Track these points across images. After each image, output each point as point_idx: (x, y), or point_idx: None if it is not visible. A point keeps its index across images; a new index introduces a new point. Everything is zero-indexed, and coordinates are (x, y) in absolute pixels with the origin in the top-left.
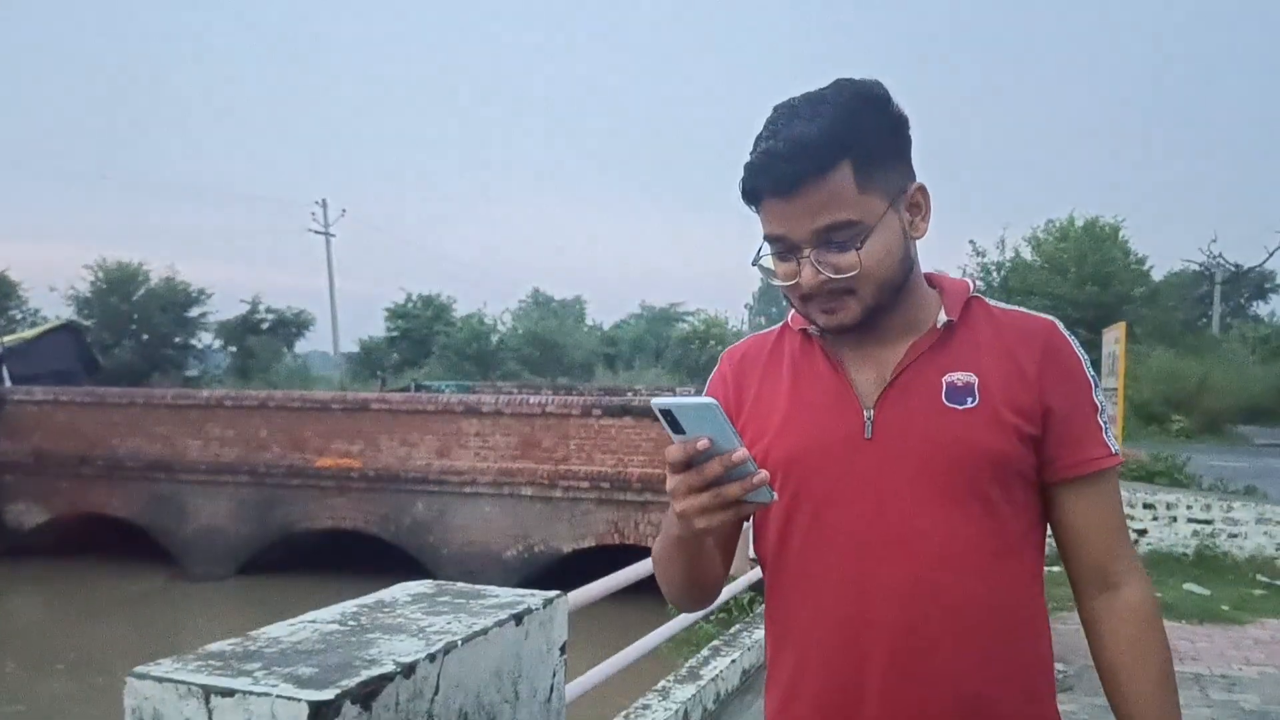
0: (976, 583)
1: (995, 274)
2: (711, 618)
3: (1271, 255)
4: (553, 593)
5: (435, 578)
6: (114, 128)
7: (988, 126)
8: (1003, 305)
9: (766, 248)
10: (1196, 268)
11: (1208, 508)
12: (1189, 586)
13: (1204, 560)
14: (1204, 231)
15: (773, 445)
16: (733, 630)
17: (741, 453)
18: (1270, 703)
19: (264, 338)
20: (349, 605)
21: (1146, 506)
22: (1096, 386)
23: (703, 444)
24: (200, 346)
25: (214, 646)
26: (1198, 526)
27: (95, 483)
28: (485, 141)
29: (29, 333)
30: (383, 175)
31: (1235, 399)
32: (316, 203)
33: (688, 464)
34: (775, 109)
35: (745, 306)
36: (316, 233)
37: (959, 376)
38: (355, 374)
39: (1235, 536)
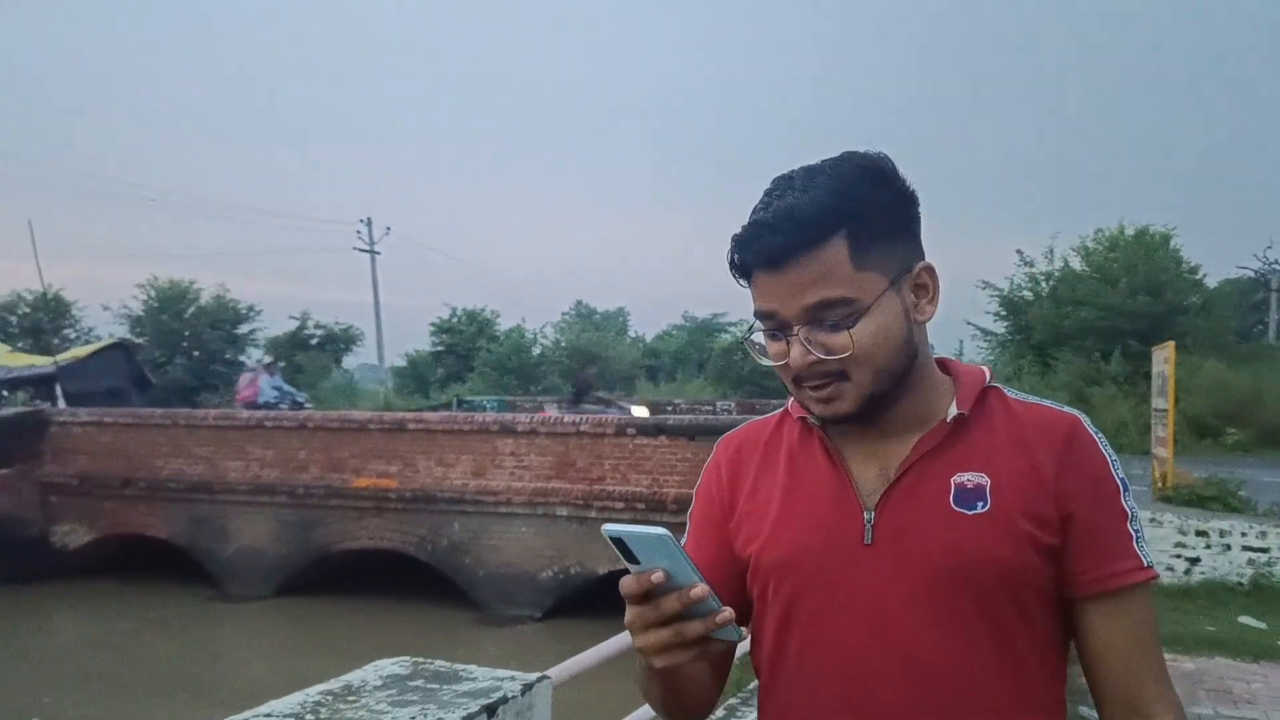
0: (984, 718)
1: (1044, 284)
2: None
3: None
4: (533, 676)
5: (471, 600)
6: (166, 149)
7: (1039, 134)
8: (1024, 397)
9: (758, 324)
10: (1252, 275)
11: (1264, 534)
12: (1244, 619)
13: (1260, 590)
14: (1259, 238)
15: (765, 548)
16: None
17: (700, 589)
18: None
19: (312, 353)
20: (313, 692)
21: (1199, 534)
22: (1127, 491)
23: (657, 577)
24: (250, 363)
25: None
26: (1253, 555)
27: (138, 504)
28: (529, 156)
29: (82, 351)
30: (427, 192)
31: None
32: (362, 221)
33: (645, 597)
34: (773, 180)
35: None
36: (362, 250)
37: (969, 477)
38: (401, 388)
39: None
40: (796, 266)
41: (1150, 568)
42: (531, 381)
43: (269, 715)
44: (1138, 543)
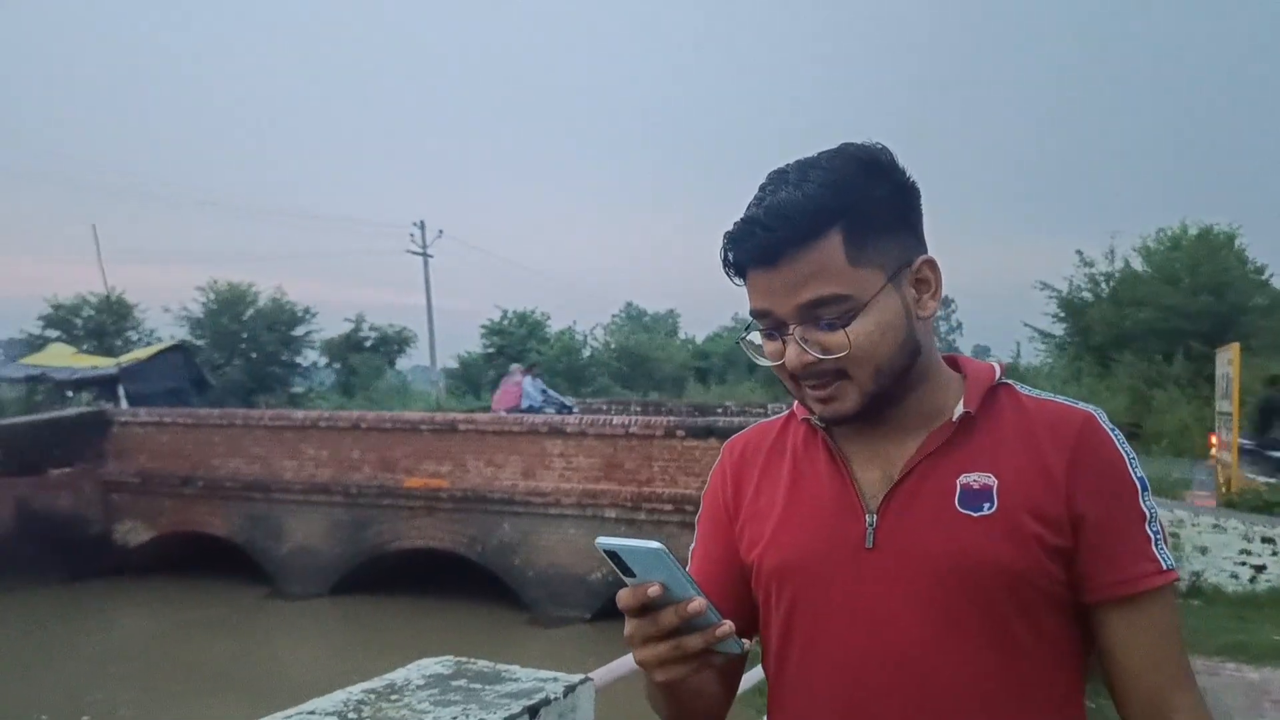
0: None
1: (1104, 285)
2: None
3: None
4: (576, 677)
5: (521, 600)
6: (224, 153)
7: (1099, 133)
8: (1038, 394)
9: (755, 324)
10: None
11: None
12: None
13: None
14: None
15: (766, 553)
16: None
17: (698, 603)
18: None
19: (366, 355)
20: (356, 690)
21: (1265, 540)
22: (1145, 490)
23: (654, 590)
24: (305, 364)
25: None
26: None
27: (196, 502)
28: (579, 157)
29: (143, 352)
30: (479, 195)
31: None
32: (415, 224)
33: (642, 610)
34: (768, 175)
35: None
36: (415, 253)
37: (975, 478)
38: (453, 390)
39: None
40: (790, 264)
41: (1171, 570)
42: (582, 383)
43: (311, 713)
44: (1157, 545)
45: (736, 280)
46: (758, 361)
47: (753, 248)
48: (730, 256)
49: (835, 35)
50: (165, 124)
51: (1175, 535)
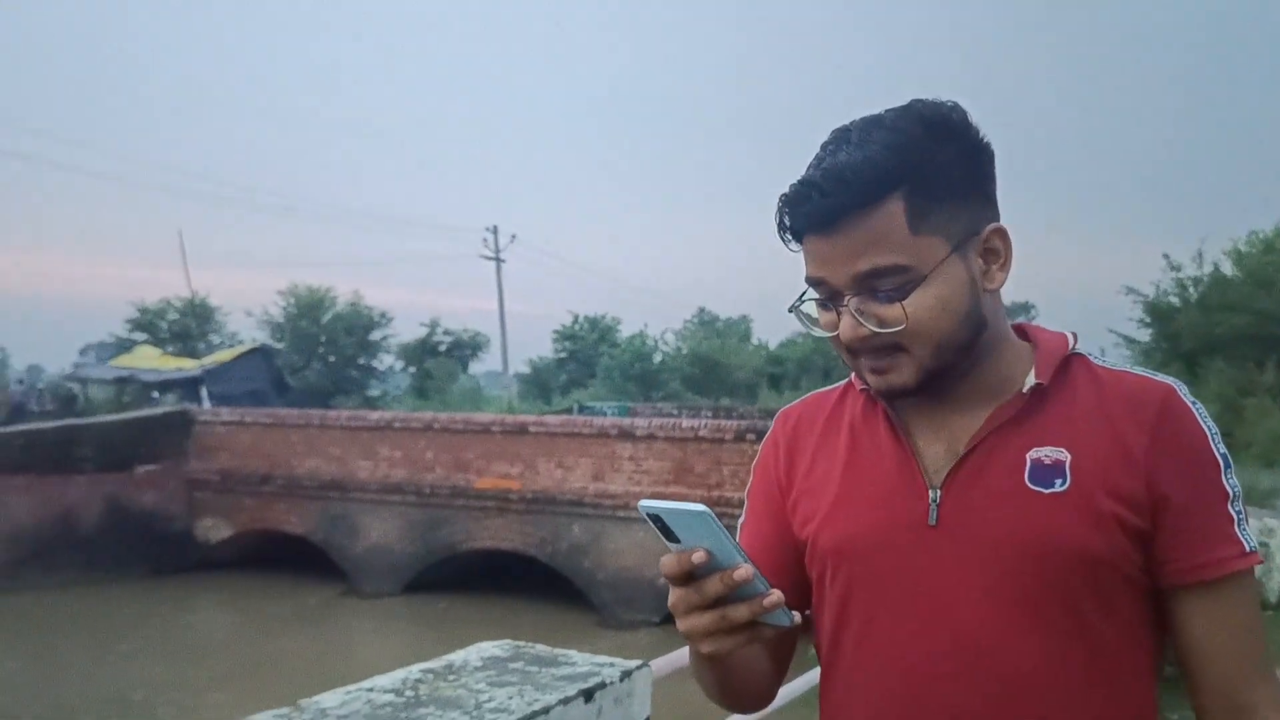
0: None
1: (1192, 290)
2: None
3: None
4: (633, 663)
5: (591, 602)
6: (304, 160)
7: (1188, 135)
8: (1113, 366)
9: (810, 292)
10: None
11: None
12: None
13: None
14: None
15: (822, 529)
16: None
17: (745, 570)
18: None
19: (441, 359)
20: (414, 669)
21: None
22: (1229, 468)
23: (698, 557)
24: (381, 368)
25: (259, 716)
26: None
27: (275, 500)
28: (652, 162)
29: (225, 355)
30: (552, 200)
31: None
32: (488, 229)
33: (687, 577)
34: (831, 133)
35: None
36: (488, 258)
37: (1047, 453)
38: (525, 394)
39: None
40: (847, 231)
41: (1253, 553)
42: (653, 388)
43: (371, 689)
44: (1239, 526)
45: (793, 246)
46: (811, 332)
47: (809, 212)
48: (786, 220)
49: (926, 30)
50: (248, 130)
51: (1265, 545)
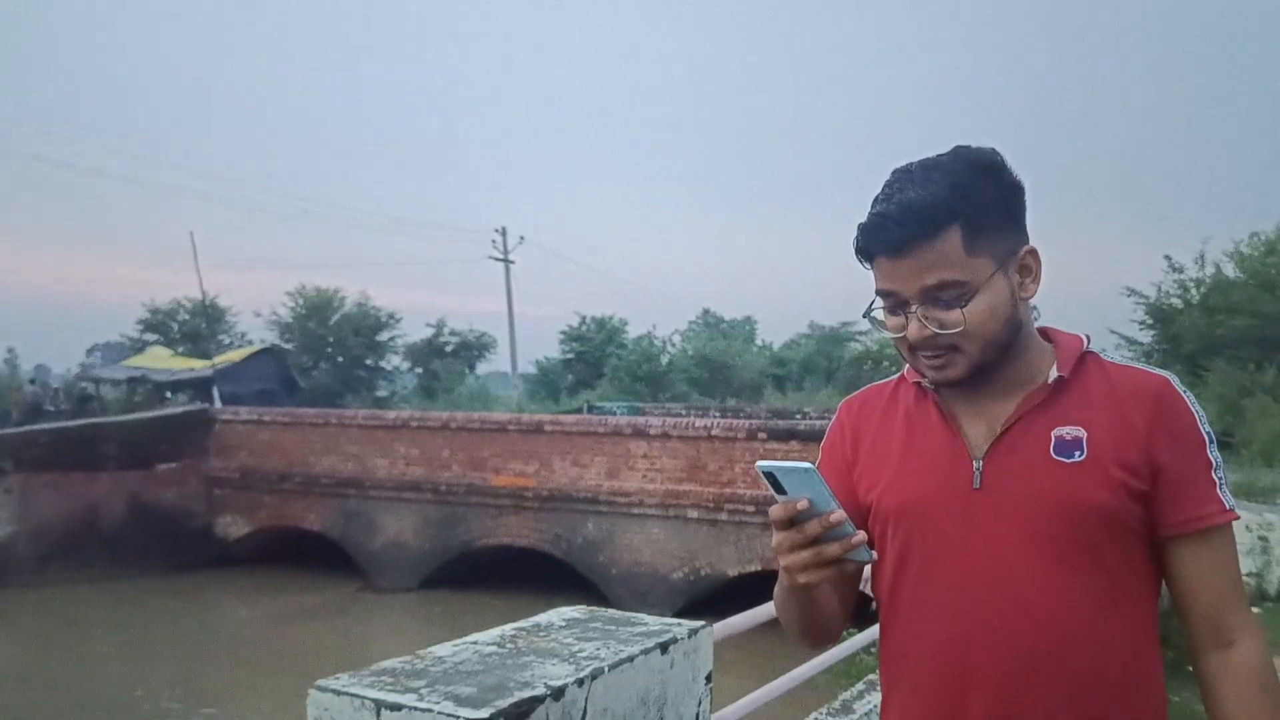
0: (1083, 642)
1: (1194, 291)
2: (873, 649)
3: None
4: (698, 623)
5: (606, 597)
6: (312, 162)
7: (1188, 137)
8: (1119, 362)
9: (879, 301)
10: None
11: None
12: None
13: None
14: None
15: (885, 494)
16: None
17: (839, 514)
18: None
19: (448, 360)
20: (508, 628)
21: None
22: (1212, 442)
23: (802, 504)
24: (389, 368)
25: (386, 664)
26: None
27: (294, 497)
28: (658, 164)
29: (235, 354)
30: (559, 202)
31: None
32: (496, 230)
33: (790, 522)
34: (893, 173)
35: None
36: (496, 259)
37: (1068, 430)
38: (532, 395)
39: None
40: (915, 254)
41: (1231, 510)
42: (660, 389)
43: (474, 643)
44: (1221, 489)
45: (865, 264)
46: (881, 333)
47: (884, 239)
48: (863, 244)
49: (911, 46)
50: (261, 134)
51: (1265, 539)
